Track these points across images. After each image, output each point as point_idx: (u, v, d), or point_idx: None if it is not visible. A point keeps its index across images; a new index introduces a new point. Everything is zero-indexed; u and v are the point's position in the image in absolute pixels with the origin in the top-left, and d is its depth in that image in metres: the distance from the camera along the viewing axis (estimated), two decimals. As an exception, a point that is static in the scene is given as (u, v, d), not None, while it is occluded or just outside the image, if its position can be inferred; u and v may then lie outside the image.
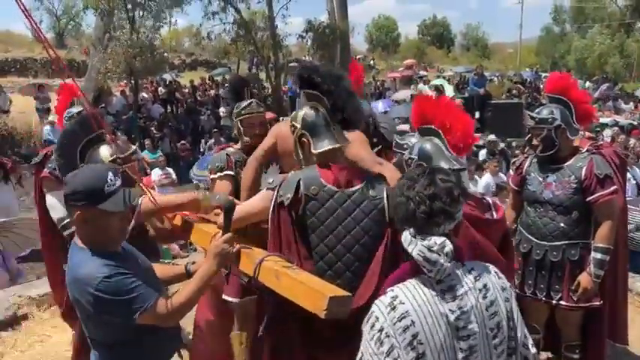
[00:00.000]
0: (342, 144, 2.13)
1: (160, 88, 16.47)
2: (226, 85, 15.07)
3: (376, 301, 1.44)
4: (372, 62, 31.20)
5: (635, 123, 13.96)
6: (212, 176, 2.91)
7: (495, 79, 23.82)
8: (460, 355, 1.37)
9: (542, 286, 2.95)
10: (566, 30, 43.39)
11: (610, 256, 2.83)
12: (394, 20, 50.72)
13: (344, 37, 17.70)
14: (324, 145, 2.07)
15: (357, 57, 23.71)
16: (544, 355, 3.24)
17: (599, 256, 2.82)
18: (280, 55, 18.00)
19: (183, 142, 12.24)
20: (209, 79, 20.12)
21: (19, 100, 15.36)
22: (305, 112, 2.14)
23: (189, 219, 2.46)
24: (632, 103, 17.19)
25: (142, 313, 1.72)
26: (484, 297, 1.41)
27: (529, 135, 3.05)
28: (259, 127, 3.01)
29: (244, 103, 3.01)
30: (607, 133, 10.02)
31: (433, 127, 2.39)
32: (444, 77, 20.95)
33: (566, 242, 2.90)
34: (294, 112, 2.22)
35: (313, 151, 2.08)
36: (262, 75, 20.42)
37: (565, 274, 2.90)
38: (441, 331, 1.35)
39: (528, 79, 23.32)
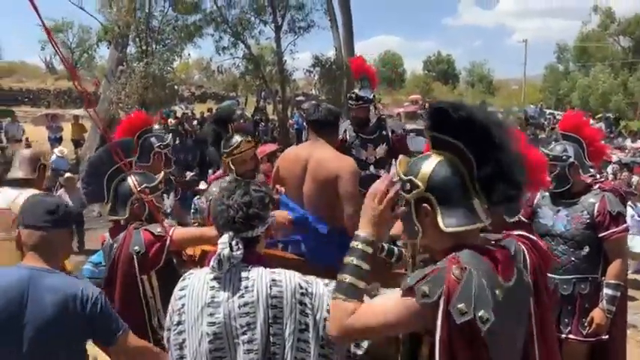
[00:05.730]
0: (486, 222, 1.46)
1: (169, 120, 16.79)
2: (206, 117, 15.31)
3: None
4: (377, 96, 31.60)
5: (638, 160, 14.03)
6: None
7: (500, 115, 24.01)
8: (206, 339, 1.61)
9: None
10: (570, 68, 43.97)
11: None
12: (400, 56, 51.69)
13: (350, 72, 18.01)
14: (460, 223, 1.42)
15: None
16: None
17: (610, 292, 2.88)
18: (288, 89, 18.39)
19: (190, 172, 12.40)
20: (217, 111, 20.43)
21: (32, 129, 15.72)
22: (435, 167, 1.44)
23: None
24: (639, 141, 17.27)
25: None
26: (241, 296, 1.60)
27: None
28: (251, 161, 3.06)
29: (233, 143, 3.01)
30: (609, 169, 10.11)
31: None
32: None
33: (577, 276, 2.95)
34: (413, 165, 1.51)
35: (443, 228, 1.42)
36: (270, 108, 20.83)
37: (576, 308, 2.94)
38: (197, 310, 1.63)
39: (531, 115, 23.55)
